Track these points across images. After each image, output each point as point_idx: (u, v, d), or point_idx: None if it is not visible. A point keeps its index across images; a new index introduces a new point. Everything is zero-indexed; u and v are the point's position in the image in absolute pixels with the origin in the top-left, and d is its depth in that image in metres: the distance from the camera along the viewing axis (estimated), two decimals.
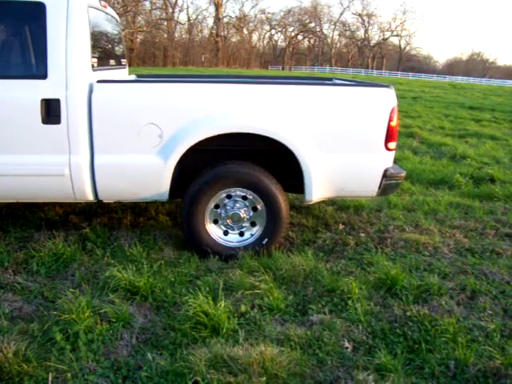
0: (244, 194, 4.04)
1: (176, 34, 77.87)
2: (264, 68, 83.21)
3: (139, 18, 68.10)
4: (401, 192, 6.30)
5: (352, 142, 3.96)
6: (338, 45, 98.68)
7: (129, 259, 3.90)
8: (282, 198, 3.99)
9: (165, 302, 3.33)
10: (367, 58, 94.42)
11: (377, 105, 3.94)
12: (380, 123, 3.93)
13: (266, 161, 4.23)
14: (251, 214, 4.10)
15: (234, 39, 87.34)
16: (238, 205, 4.07)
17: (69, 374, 2.57)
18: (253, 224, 4.14)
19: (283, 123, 3.84)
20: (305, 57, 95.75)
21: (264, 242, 4.07)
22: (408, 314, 3.25)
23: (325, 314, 3.24)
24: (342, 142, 3.94)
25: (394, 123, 3.93)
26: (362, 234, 4.73)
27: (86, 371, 2.62)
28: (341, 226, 4.91)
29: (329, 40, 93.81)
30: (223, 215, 4.09)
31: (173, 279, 3.61)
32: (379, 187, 4.09)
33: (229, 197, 4.06)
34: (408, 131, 11.56)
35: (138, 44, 67.49)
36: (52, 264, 3.83)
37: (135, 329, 3.02)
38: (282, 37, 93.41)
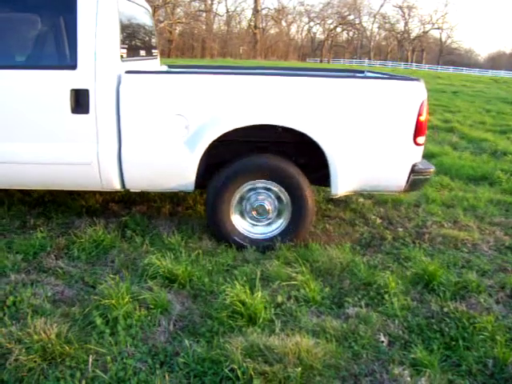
0: (269, 187, 4.03)
1: (214, 26, 78.24)
2: (302, 61, 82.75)
3: (178, 10, 68.68)
4: (440, 187, 6.22)
5: (380, 135, 3.90)
6: (377, 37, 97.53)
7: (167, 247, 3.96)
8: (307, 191, 3.98)
9: (202, 291, 3.38)
10: (407, 52, 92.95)
11: (406, 98, 3.88)
12: (409, 117, 3.86)
13: (293, 153, 4.21)
14: (276, 206, 4.10)
15: (272, 31, 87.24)
16: (262, 197, 4.07)
17: (108, 357, 2.63)
18: (278, 217, 4.13)
19: (309, 115, 3.82)
20: (343, 49, 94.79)
21: (290, 235, 4.06)
22: (445, 310, 3.22)
23: (361, 307, 3.24)
24: (369, 136, 3.89)
25: (423, 117, 3.86)
26: (400, 229, 4.69)
27: (125, 355, 2.68)
28: (378, 220, 4.88)
29: (368, 33, 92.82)
30: (248, 207, 4.10)
31: (210, 268, 3.65)
32: (407, 182, 4.02)
33: (253, 189, 4.06)
34: (448, 126, 11.37)
35: (176, 35, 67.94)
36: (92, 250, 3.92)
37: (173, 316, 3.07)
38: (321, 29, 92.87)
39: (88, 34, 3.71)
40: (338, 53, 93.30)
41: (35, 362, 2.58)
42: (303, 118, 3.82)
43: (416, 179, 4.04)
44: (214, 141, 3.84)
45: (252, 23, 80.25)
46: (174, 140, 3.85)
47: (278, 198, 4.09)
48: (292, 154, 4.20)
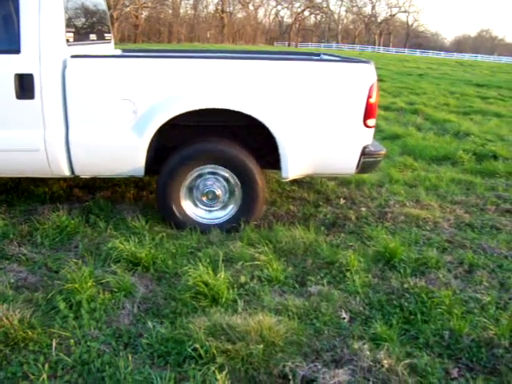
0: (218, 171, 4.04)
1: (181, 10, 77.42)
2: (270, 44, 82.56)
3: None
4: (403, 168, 6.32)
5: (330, 118, 3.92)
6: (345, 21, 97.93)
7: (131, 231, 3.96)
8: (257, 175, 3.98)
9: (166, 273, 3.40)
10: (374, 35, 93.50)
11: (355, 81, 3.90)
12: (359, 99, 3.88)
13: (244, 137, 4.20)
14: (227, 191, 4.12)
15: (239, 15, 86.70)
16: (212, 182, 4.08)
17: (72, 341, 2.64)
18: (228, 202, 4.15)
19: (258, 99, 3.83)
20: (311, 33, 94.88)
21: (240, 220, 4.06)
22: (405, 286, 3.30)
23: (323, 285, 3.30)
24: (319, 118, 3.91)
25: (373, 100, 3.89)
26: (363, 209, 4.76)
27: (89, 338, 2.69)
28: (342, 201, 4.94)
29: (335, 16, 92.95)
30: (199, 192, 4.11)
31: (174, 251, 3.66)
32: (358, 164, 4.05)
33: (204, 174, 4.06)
34: (412, 108, 11.53)
35: (142, 20, 67.01)
36: (56, 236, 3.90)
37: (137, 298, 3.08)
38: (288, 13, 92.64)
39: (31, 18, 3.65)
40: (306, 36, 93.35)
41: None
42: (251, 101, 3.82)
43: (367, 161, 4.07)
44: (164, 125, 3.83)
45: (219, 7, 79.60)
46: (121, 125, 3.82)
47: (229, 184, 4.09)
48: (243, 138, 4.19)
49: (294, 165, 3.95)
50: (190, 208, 4.12)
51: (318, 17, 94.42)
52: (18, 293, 3.10)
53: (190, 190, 4.09)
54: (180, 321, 2.83)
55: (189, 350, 2.58)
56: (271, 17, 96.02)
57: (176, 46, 47.87)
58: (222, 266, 3.36)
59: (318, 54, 5.96)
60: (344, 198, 5.03)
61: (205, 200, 4.12)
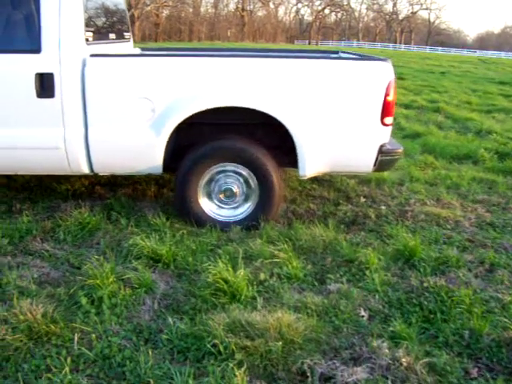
0: (236, 169, 4.05)
1: (202, 9, 77.67)
2: (290, 43, 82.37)
3: None
4: (424, 166, 6.28)
5: (347, 116, 3.92)
6: (366, 19, 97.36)
7: (152, 228, 4.00)
8: (274, 173, 3.99)
9: (186, 270, 3.43)
10: (395, 33, 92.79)
11: (373, 79, 3.88)
12: (376, 97, 3.87)
13: (262, 136, 4.21)
14: (244, 189, 4.13)
15: (260, 13, 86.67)
16: (230, 180, 4.10)
17: (93, 335, 2.68)
18: (246, 199, 4.17)
19: (276, 97, 3.84)
20: (332, 31, 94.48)
21: (257, 218, 4.08)
22: (425, 285, 3.29)
23: (342, 283, 3.30)
24: (336, 116, 3.91)
25: (390, 98, 3.87)
26: (383, 207, 4.75)
27: (110, 333, 2.73)
28: (362, 199, 4.93)
29: (356, 14, 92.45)
30: (216, 190, 4.13)
31: (194, 248, 3.69)
32: (375, 163, 4.04)
33: (222, 172, 4.08)
34: (434, 106, 11.43)
35: (163, 19, 67.35)
36: (78, 233, 3.95)
37: (157, 295, 3.12)
38: (309, 11, 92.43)
39: (51, 17, 3.70)
40: (327, 34, 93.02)
41: (21, 341, 2.62)
42: (268, 99, 3.83)
43: (384, 160, 4.06)
44: (181, 123, 3.86)
45: (240, 5, 79.67)
46: (140, 123, 3.86)
47: (246, 182, 4.11)
48: (260, 136, 4.20)
49: (311, 163, 3.96)
50: (207, 205, 4.14)
51: (339, 14, 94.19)
52: (41, 288, 3.15)
53: (208, 187, 4.12)
54: (200, 317, 2.86)
55: (208, 346, 2.60)
56: (291, 15, 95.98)
57: (196, 45, 47.98)
58: (241, 263, 3.38)
59: (336, 52, 5.95)
60: (364, 197, 5.02)
61: (222, 197, 4.14)
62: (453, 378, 2.48)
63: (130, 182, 5.17)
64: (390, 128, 4.02)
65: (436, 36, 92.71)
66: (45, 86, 3.74)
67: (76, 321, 2.82)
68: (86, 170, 4.01)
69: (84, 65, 3.77)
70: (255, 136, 4.17)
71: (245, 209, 4.16)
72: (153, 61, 3.94)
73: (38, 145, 3.87)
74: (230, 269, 3.21)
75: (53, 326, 2.71)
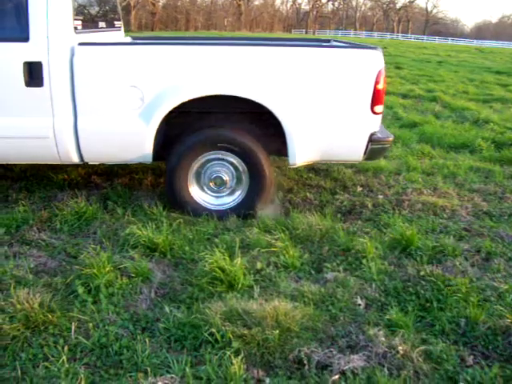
0: (226, 157, 4.05)
1: None
2: (287, 32, 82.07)
3: None
4: (421, 155, 6.28)
5: (336, 104, 3.90)
6: (363, 8, 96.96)
7: (149, 218, 3.99)
8: (264, 161, 4.00)
9: (183, 259, 3.43)
10: (392, 22, 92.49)
11: (363, 67, 3.87)
12: (366, 86, 3.86)
13: (251, 124, 4.19)
14: (234, 177, 4.13)
15: (256, 2, 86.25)
16: (220, 168, 4.10)
17: (90, 324, 2.69)
18: (236, 188, 4.17)
19: (265, 85, 3.83)
20: (329, 20, 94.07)
21: (247, 206, 4.08)
22: (421, 273, 3.30)
23: (339, 272, 3.31)
24: (326, 105, 3.90)
25: (380, 86, 3.86)
26: (380, 196, 4.75)
27: (107, 322, 2.74)
28: (359, 189, 4.93)
29: (354, 3, 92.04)
30: (206, 178, 4.13)
31: (191, 237, 3.70)
32: (365, 151, 4.04)
33: (212, 160, 4.08)
34: (431, 95, 11.39)
35: (159, 8, 66.96)
36: (74, 222, 3.95)
37: (154, 284, 3.12)
38: (306, 0, 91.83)
39: (39, 6, 3.66)
40: (324, 24, 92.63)
41: (18, 330, 2.62)
42: (258, 87, 3.82)
43: (374, 148, 4.05)
44: (171, 112, 3.85)
45: None
46: (129, 111, 3.85)
47: (236, 169, 4.11)
48: (250, 124, 4.18)
49: (301, 151, 3.96)
50: (197, 193, 4.14)
51: (336, 4, 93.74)
52: (38, 277, 3.15)
53: (198, 175, 4.12)
54: (197, 306, 2.86)
55: (205, 334, 2.61)
56: (288, 4, 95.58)
57: (191, 34, 47.78)
58: (238, 252, 3.39)
59: (328, 41, 5.93)
60: (361, 186, 5.02)
61: (212, 186, 4.14)
62: (449, 365, 2.49)
63: (127, 172, 5.15)
64: (380, 116, 4.01)
65: (433, 25, 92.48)
66: (33, 74, 3.71)
67: (73, 310, 2.82)
68: (75, 159, 4.00)
69: (73, 53, 3.75)
70: (245, 124, 4.15)
71: (235, 197, 4.17)
72: (141, 49, 3.93)
73: (28, 134, 3.85)
74: (227, 258, 3.21)
75: (50, 315, 2.71)
